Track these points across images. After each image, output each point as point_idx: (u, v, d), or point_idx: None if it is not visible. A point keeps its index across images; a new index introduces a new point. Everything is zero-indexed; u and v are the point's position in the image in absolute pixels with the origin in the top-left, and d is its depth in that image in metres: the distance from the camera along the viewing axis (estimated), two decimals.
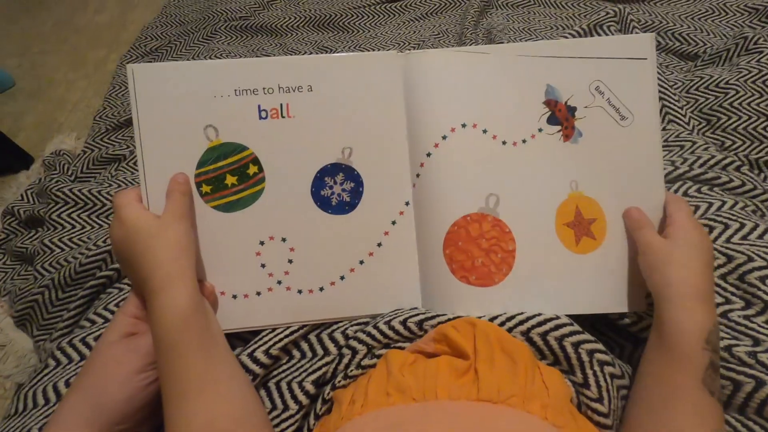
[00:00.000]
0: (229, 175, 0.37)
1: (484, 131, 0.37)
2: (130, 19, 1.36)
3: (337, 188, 0.38)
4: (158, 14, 1.24)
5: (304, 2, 1.16)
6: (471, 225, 0.37)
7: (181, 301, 0.31)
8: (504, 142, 0.37)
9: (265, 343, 0.38)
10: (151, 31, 1.17)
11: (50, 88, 1.17)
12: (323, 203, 0.38)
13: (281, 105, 0.37)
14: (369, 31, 1.04)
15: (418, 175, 0.38)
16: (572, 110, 0.38)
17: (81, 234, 0.65)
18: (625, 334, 0.40)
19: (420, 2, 1.09)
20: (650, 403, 0.31)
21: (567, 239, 0.38)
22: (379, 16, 1.08)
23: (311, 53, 0.98)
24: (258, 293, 0.38)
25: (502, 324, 0.35)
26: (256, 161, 0.37)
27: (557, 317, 0.35)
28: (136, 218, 0.33)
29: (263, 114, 0.37)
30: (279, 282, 0.38)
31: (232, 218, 0.37)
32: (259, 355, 0.37)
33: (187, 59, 1.04)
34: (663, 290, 0.32)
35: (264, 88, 0.36)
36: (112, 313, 0.45)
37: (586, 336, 0.34)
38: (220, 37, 1.07)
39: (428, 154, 0.37)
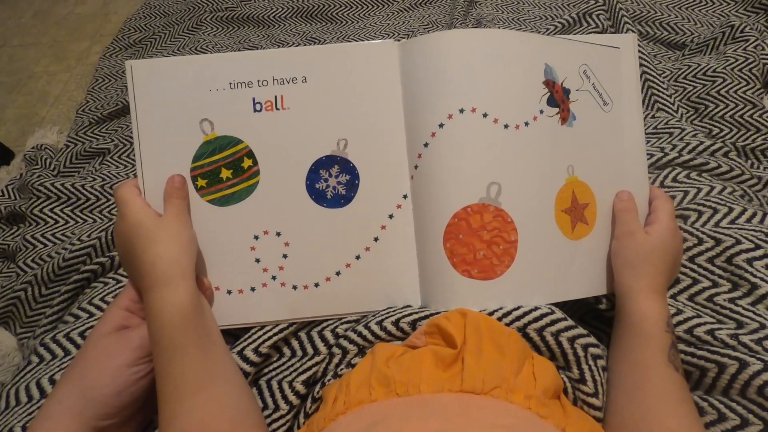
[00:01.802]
0: (224, 169, 0.36)
1: (485, 115, 0.35)
2: (113, 11, 1.33)
3: (332, 181, 0.37)
4: (142, 5, 1.21)
5: None
6: (472, 216, 0.35)
7: (181, 298, 0.31)
8: (506, 126, 0.35)
9: (255, 341, 0.37)
10: (135, 22, 1.15)
11: (30, 81, 1.13)
12: (318, 196, 0.37)
13: (275, 97, 0.36)
14: (358, 22, 1.03)
15: (416, 167, 0.36)
16: (567, 92, 0.38)
17: (64, 229, 0.64)
18: (610, 323, 0.40)
19: None
20: (626, 387, 0.32)
21: (564, 226, 0.37)
22: (368, 7, 1.06)
23: (299, 44, 0.97)
24: (252, 288, 0.37)
25: (498, 320, 0.34)
26: (250, 154, 0.37)
27: (552, 311, 0.34)
28: (138, 214, 0.33)
29: (258, 107, 0.36)
30: (273, 277, 0.37)
31: (227, 212, 0.37)
32: (249, 353, 0.37)
33: (172, 51, 1.02)
34: (633, 283, 0.35)
35: (258, 81, 0.36)
36: (97, 307, 0.44)
37: (580, 330, 0.34)
38: (206, 28, 1.05)
39: (425, 145, 0.36)
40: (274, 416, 0.35)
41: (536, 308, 0.34)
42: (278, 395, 0.36)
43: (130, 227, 0.33)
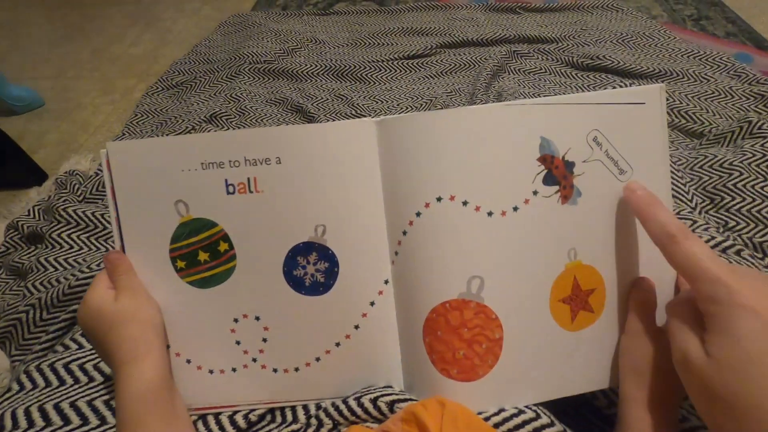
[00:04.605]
0: (201, 252, 0.36)
1: (465, 203, 0.32)
2: (162, 54, 1.44)
3: (310, 268, 0.35)
4: (189, 51, 1.31)
5: (326, 52, 1.22)
6: (451, 313, 0.32)
7: (148, 371, 0.31)
8: (490, 213, 0.32)
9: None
10: (180, 66, 1.24)
11: (77, 111, 1.22)
12: (296, 284, 0.36)
13: (248, 179, 0.35)
14: (385, 84, 1.09)
15: (396, 253, 0.35)
16: (570, 166, 0.33)
17: (78, 255, 0.66)
18: (609, 420, 0.38)
19: (436, 61, 1.15)
20: None
21: (562, 318, 0.34)
22: (396, 71, 1.12)
23: (328, 99, 1.02)
24: (234, 369, 0.37)
25: None
26: (226, 238, 0.36)
27: (537, 416, 0.32)
28: (97, 299, 0.34)
29: (230, 189, 0.35)
30: (254, 360, 0.37)
31: (207, 294, 0.36)
32: (239, 418, 0.36)
33: (210, 95, 1.09)
34: (635, 391, 0.31)
35: (230, 161, 0.35)
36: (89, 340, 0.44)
37: None
38: (243, 77, 1.12)
39: (404, 233, 0.34)
40: None
41: (521, 412, 0.32)
42: None
43: (91, 312, 0.34)
